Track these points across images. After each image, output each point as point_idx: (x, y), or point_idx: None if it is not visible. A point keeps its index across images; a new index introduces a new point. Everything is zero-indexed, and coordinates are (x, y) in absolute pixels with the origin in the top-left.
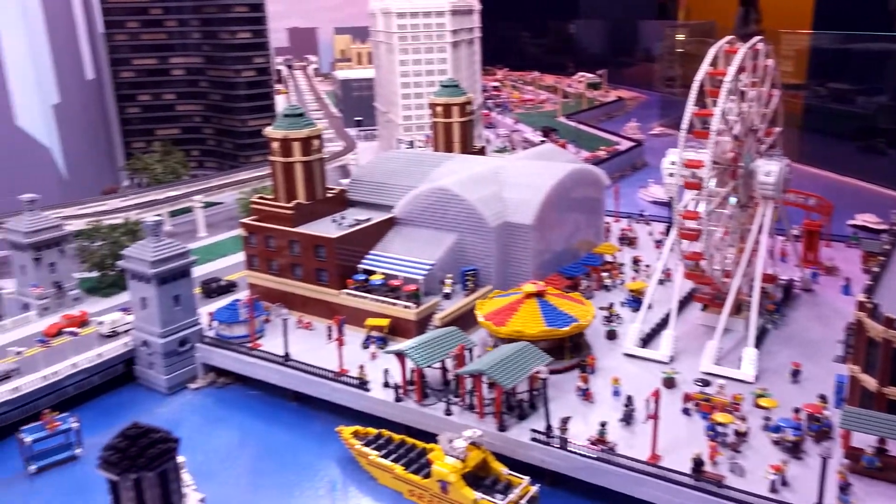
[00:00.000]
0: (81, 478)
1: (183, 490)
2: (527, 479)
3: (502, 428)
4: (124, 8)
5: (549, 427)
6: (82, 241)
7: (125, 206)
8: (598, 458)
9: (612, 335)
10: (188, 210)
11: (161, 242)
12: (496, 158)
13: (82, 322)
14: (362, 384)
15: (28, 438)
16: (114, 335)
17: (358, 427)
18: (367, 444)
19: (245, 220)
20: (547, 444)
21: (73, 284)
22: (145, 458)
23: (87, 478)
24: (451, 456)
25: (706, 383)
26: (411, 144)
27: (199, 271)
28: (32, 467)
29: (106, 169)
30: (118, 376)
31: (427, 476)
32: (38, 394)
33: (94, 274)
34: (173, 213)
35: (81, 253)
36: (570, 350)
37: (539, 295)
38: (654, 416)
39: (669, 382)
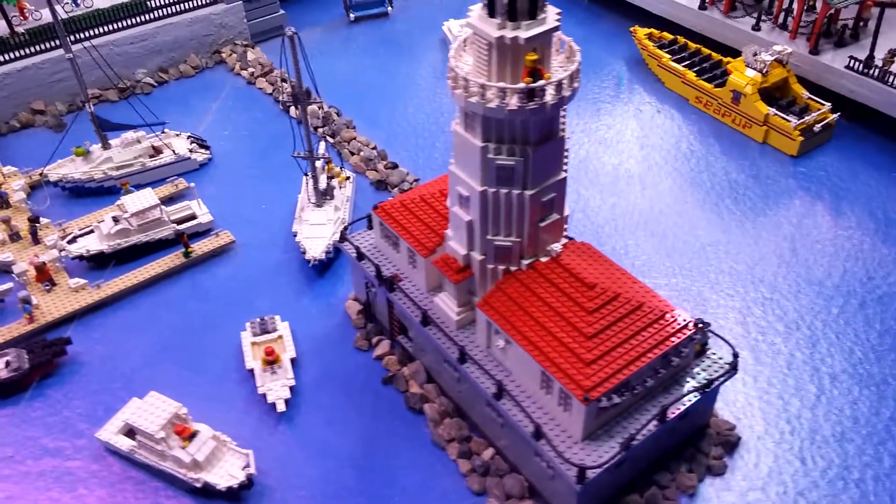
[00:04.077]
0: (389, 33)
1: None
2: (828, 105)
3: (815, 51)
4: None
5: (871, 57)
6: None
7: None
8: None
9: None
10: None
11: None
12: None
13: None
14: None
15: None
16: None
17: (653, 29)
18: (660, 47)
19: None
20: (865, 74)
21: None
22: None
23: (394, 34)
24: (752, 68)
25: None
26: None
27: None
28: (351, 16)
29: None
30: None
31: (720, 86)
32: None
33: None
34: None
35: None
36: None
37: None
38: None
39: None
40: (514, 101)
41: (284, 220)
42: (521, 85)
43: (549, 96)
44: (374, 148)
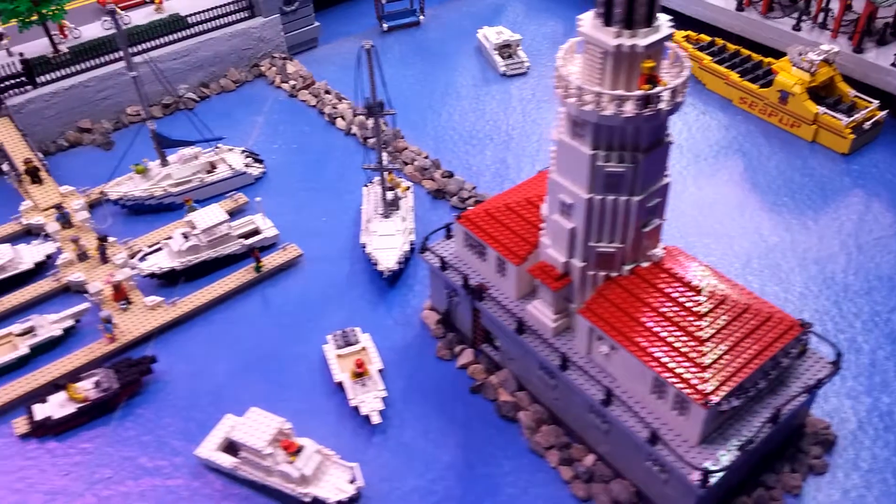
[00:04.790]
0: (423, 42)
1: None
2: (876, 102)
3: (859, 49)
4: None
5: None
6: None
7: None
8: None
9: None
10: None
11: None
12: None
13: None
14: None
15: None
16: None
17: (690, 32)
18: (699, 50)
19: None
20: None
21: None
22: None
23: (427, 42)
24: (800, 68)
25: None
26: None
27: None
28: (384, 26)
29: None
30: None
31: (765, 86)
32: None
33: None
34: None
35: None
36: None
37: None
38: None
39: None
40: (629, 108)
41: (347, 232)
42: (640, 92)
43: (664, 103)
44: (427, 157)
